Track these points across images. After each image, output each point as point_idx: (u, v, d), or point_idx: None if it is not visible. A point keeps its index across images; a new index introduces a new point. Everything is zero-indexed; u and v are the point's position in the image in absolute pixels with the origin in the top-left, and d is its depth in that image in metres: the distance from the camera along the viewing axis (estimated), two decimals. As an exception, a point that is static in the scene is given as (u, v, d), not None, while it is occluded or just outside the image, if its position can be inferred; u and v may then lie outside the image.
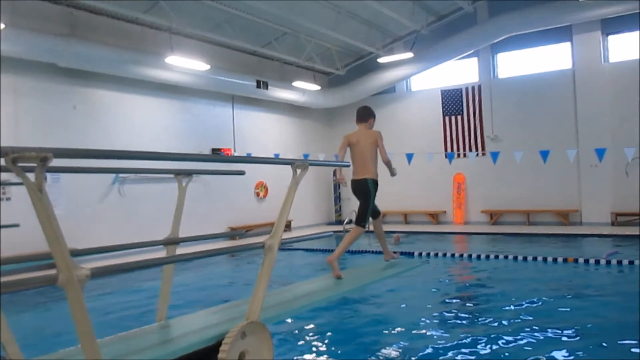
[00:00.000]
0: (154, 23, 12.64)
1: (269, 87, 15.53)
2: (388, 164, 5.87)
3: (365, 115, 5.76)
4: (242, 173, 4.36)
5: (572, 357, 4.79)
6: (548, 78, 16.10)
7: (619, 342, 5.20)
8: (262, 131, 16.84)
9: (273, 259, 3.17)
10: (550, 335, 5.49)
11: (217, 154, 14.77)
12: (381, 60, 16.42)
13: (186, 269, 10.16)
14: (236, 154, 15.32)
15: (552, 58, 16.29)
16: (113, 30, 12.42)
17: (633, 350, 4.88)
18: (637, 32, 14.80)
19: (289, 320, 6.08)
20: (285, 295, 4.16)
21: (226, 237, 14.17)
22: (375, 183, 5.67)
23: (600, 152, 12.95)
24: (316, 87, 17.15)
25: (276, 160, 3.64)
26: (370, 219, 5.95)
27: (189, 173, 3.81)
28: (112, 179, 12.16)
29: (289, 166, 3.39)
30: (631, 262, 9.15)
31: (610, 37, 15.43)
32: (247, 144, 15.88)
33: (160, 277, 3.89)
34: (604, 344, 5.18)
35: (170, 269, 3.78)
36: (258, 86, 15.11)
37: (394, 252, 6.63)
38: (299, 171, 3.31)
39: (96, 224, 11.63)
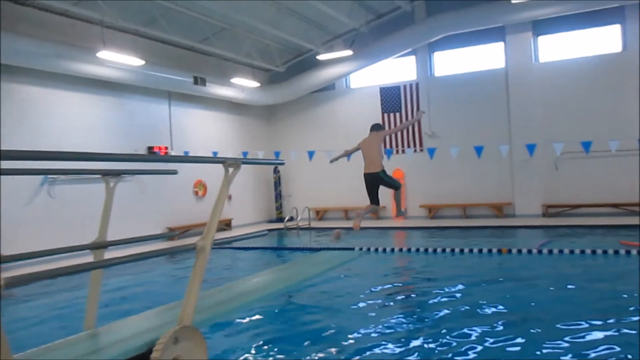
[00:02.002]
0: (84, 16, 12.10)
1: (207, 83, 15.22)
2: (403, 126, 8.67)
3: (377, 127, 7.55)
4: (174, 172, 4.21)
5: (509, 342, 4.95)
6: (482, 77, 16.65)
7: (556, 325, 5.42)
8: (200, 129, 16.51)
9: (205, 260, 3.08)
10: (487, 322, 5.66)
11: (150, 154, 14.31)
12: (321, 57, 16.46)
13: (120, 272, 9.80)
14: (173, 153, 14.95)
15: (486, 57, 16.84)
16: (41, 23, 11.79)
17: (565, 339, 5.10)
18: (565, 33, 15.59)
19: (227, 321, 5.96)
20: (221, 296, 4.06)
21: (163, 238, 13.80)
22: (384, 171, 7.35)
23: (531, 148, 13.51)
24: (255, 84, 16.98)
25: (207, 159, 3.53)
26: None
27: (117, 173, 3.64)
28: (40, 180, 11.57)
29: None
30: (561, 251, 9.60)
31: (540, 38, 16.12)
32: (184, 142, 15.51)
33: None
34: (538, 329, 5.38)
35: (98, 275, 3.60)
36: (195, 82, 14.78)
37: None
38: (231, 170, 3.22)
39: (23, 228, 11.00)
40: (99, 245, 3.50)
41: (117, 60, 12.24)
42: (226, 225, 16.59)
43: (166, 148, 14.92)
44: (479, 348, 4.95)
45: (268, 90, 17.94)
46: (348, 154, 8.95)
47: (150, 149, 14.36)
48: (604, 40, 15.34)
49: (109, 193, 3.60)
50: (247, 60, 16.66)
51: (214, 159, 3.33)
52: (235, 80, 16.15)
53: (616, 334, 5.16)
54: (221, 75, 16.39)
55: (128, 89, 13.84)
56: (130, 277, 9.65)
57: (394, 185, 7.76)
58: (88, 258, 3.42)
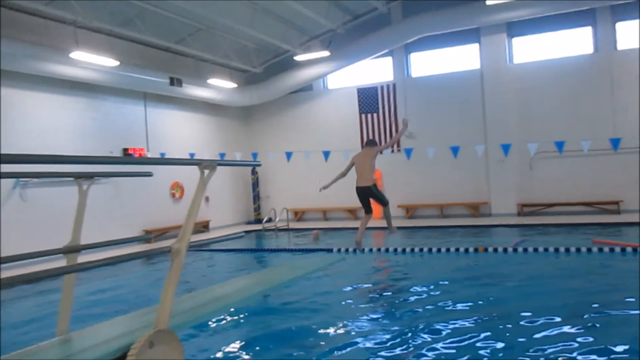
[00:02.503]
0: (57, 16, 11.89)
1: (183, 84, 15.09)
2: (394, 140, 8.01)
3: (372, 143, 7.69)
4: (149, 175, 4.16)
5: (483, 339, 5.01)
6: (458, 77, 16.83)
7: (529, 322, 5.52)
8: (176, 130, 16.35)
9: (181, 263, 3.04)
10: (463, 320, 5.74)
11: (124, 156, 14.11)
12: (298, 58, 16.45)
13: (95, 277, 9.66)
14: (149, 154, 14.77)
15: (461, 58, 17.03)
16: (12, 23, 11.52)
17: (537, 335, 5.18)
18: (539, 35, 15.86)
19: (205, 325, 5.91)
20: (198, 299, 4.02)
21: (140, 241, 13.64)
22: (375, 186, 7.46)
23: (506, 148, 13.69)
24: (232, 85, 16.89)
25: (182, 161, 3.50)
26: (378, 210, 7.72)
27: (90, 176, 3.58)
28: (12, 183, 11.33)
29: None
30: (536, 250, 9.75)
31: (515, 40, 16.36)
32: (161, 144, 15.35)
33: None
34: (511, 326, 5.46)
35: (71, 279, 3.54)
36: (171, 83, 14.63)
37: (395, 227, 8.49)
38: (206, 172, 3.19)
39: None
40: (72, 249, 3.44)
41: (91, 61, 12.06)
42: (204, 227, 16.47)
43: (142, 150, 14.75)
44: (454, 345, 5.01)
45: (245, 91, 17.87)
46: (342, 176, 9.20)
47: (125, 150, 14.18)
48: (576, 42, 15.64)
49: (82, 196, 3.54)
50: (224, 61, 16.57)
51: (189, 161, 3.30)
52: (212, 81, 16.04)
53: (585, 329, 5.26)
54: (198, 76, 16.27)
55: (103, 90, 13.64)
56: (105, 281, 9.52)
57: (382, 200, 7.91)
58: (62, 262, 3.36)
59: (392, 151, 17.03)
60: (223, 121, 18.51)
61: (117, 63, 12.60)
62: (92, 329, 3.63)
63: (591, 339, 4.97)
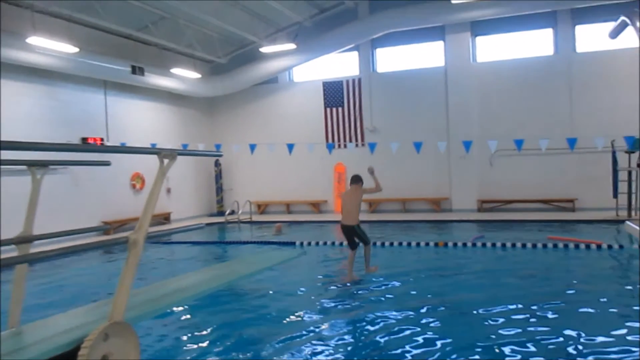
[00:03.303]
0: (12, -1, 11.47)
1: (146, 73, 14.77)
2: (376, 188, 7.77)
3: (357, 180, 7.60)
4: (107, 164, 4.06)
5: (441, 331, 5.11)
6: (423, 74, 17.02)
7: (485, 313, 5.65)
8: (138, 120, 16.01)
9: (138, 254, 2.98)
10: (422, 311, 5.84)
11: (81, 144, 13.74)
12: (264, 50, 16.32)
13: (50, 269, 9.41)
14: (109, 144, 14.41)
15: (426, 55, 17.22)
16: (-38, 4, 11.07)
17: (491, 325, 5.30)
18: (502, 34, 16.18)
19: (162, 317, 5.83)
20: (156, 292, 3.96)
21: (99, 232, 13.34)
22: (359, 226, 7.43)
23: (467, 145, 13.92)
24: (196, 75, 16.63)
25: (141, 150, 3.42)
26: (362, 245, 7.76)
27: (44, 164, 3.47)
28: (-37, 171, 10.87)
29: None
30: (494, 245, 10.00)
31: (478, 39, 16.63)
32: (121, 134, 15.00)
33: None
34: (468, 319, 5.59)
35: (23, 270, 3.43)
36: (133, 72, 14.30)
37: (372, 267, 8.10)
38: (166, 161, 3.14)
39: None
40: (24, 240, 3.33)
41: (49, 46, 11.66)
42: (165, 219, 16.22)
43: (101, 139, 14.39)
44: (410, 334, 5.10)
45: (209, 82, 17.63)
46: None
47: (84, 140, 13.79)
48: (538, 43, 16.01)
49: (35, 185, 3.43)
50: (188, 51, 16.30)
51: (148, 150, 3.23)
52: (176, 70, 15.76)
53: (537, 320, 5.43)
54: (161, 65, 15.95)
55: (61, 77, 13.23)
56: (61, 273, 9.28)
57: (365, 240, 7.83)
58: (14, 254, 3.24)
59: (357, 145, 17.13)
60: (186, 112, 18.23)
61: (76, 50, 12.23)
62: (45, 322, 3.53)
63: (541, 329, 5.14)
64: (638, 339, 4.74)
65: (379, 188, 7.76)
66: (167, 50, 16.39)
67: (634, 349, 4.61)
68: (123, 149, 3.54)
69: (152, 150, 3.19)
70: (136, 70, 14.38)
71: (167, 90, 16.47)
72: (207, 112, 19.34)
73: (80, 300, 6.39)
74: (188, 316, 6.12)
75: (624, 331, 5.05)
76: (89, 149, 4.32)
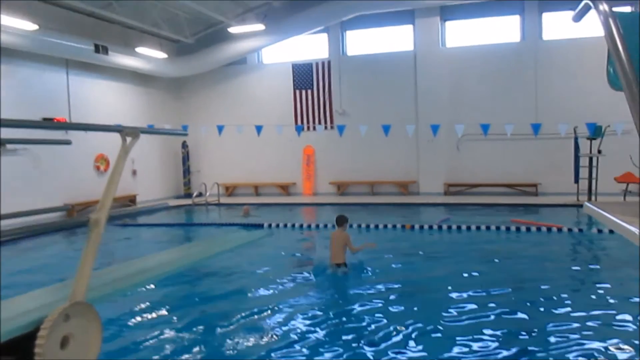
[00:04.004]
0: (-33, -29, 10.95)
1: (110, 52, 14.37)
2: (356, 251, 7.42)
3: (341, 221, 7.42)
4: (68, 142, 3.95)
5: (403, 311, 5.19)
6: (392, 58, 17.05)
7: (450, 294, 5.77)
8: (102, 100, 15.60)
9: (99, 234, 2.92)
10: (386, 291, 5.93)
11: (41, 121, 13.33)
12: (232, 30, 16.07)
13: (11, 251, 9.16)
14: (73, 124, 14.00)
15: (396, 39, 17.24)
16: None
17: (451, 307, 5.41)
18: (471, 20, 16.31)
19: (126, 298, 5.77)
20: (120, 272, 3.89)
21: (62, 212, 13.02)
22: (345, 265, 7.14)
23: (435, 128, 14.09)
24: (163, 55, 16.28)
25: (103, 127, 3.34)
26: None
27: (1, 143, 3.34)
28: None
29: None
30: (459, 227, 10.18)
31: (447, 23, 16.72)
32: (84, 114, 14.59)
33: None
34: (429, 300, 5.69)
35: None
36: (96, 51, 13.89)
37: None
38: (129, 140, 3.06)
39: None
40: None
41: (6, 23, 11.21)
42: (130, 201, 15.94)
43: (64, 120, 13.99)
44: (372, 313, 5.18)
45: (176, 62, 17.29)
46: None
47: (45, 120, 13.37)
48: (505, 30, 16.19)
49: (-9, 162, 3.31)
50: (154, 30, 15.90)
51: (109, 127, 3.15)
52: (141, 50, 15.39)
53: (499, 300, 5.57)
54: (125, 44, 15.54)
55: (20, 55, 12.74)
56: (23, 256, 9.05)
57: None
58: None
59: (326, 128, 17.12)
60: (152, 92, 17.86)
61: (35, 27, 11.80)
62: (4, 303, 3.43)
63: (501, 310, 5.28)
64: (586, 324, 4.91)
65: (354, 250, 7.42)
66: (131, 29, 15.96)
67: (589, 323, 4.79)
68: (83, 126, 3.46)
69: (114, 128, 3.11)
70: (99, 49, 13.98)
71: (132, 70, 16.08)
72: (174, 93, 19.00)
73: (41, 282, 6.25)
74: (153, 296, 6.06)
75: (579, 307, 5.23)
76: (48, 126, 4.20)
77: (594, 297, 5.87)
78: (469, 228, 10.12)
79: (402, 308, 5.49)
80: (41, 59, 13.35)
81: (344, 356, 4.26)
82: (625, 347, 4.26)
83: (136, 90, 17.09)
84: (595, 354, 4.14)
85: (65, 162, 13.81)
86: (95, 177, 15.00)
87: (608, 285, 6.29)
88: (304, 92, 17.60)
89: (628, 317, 4.99)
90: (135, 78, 16.82)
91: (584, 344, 4.32)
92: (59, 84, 14.08)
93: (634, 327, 4.71)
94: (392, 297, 5.86)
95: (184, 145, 18.71)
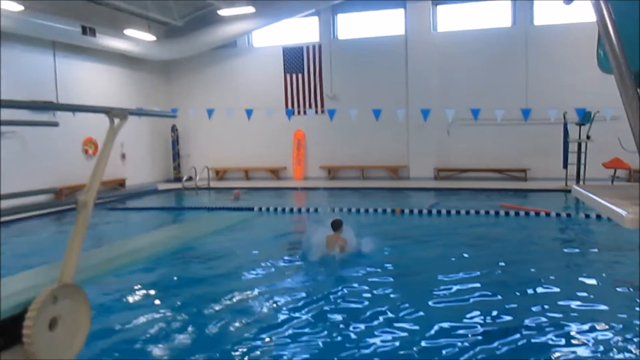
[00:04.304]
0: (-50, -51, 10.71)
1: (97, 34, 14.17)
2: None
3: (337, 225, 7.31)
4: (55, 124, 3.90)
5: (392, 295, 5.23)
6: (383, 42, 16.97)
7: (439, 277, 5.83)
8: (90, 83, 15.41)
9: (88, 216, 2.89)
10: (375, 274, 5.98)
11: (28, 101, 13.17)
12: (222, 12, 15.88)
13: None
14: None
15: (387, 23, 17.15)
16: None
17: (440, 289, 5.46)
18: (462, 4, 16.24)
19: (114, 279, 5.77)
20: (109, 253, 3.87)
21: (49, 195, 12.90)
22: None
23: (425, 113, 14.10)
24: (151, 38, 16.07)
25: (90, 108, 3.29)
26: None
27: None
28: None
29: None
30: (448, 212, 10.24)
31: (439, 7, 16.65)
32: (72, 98, 14.40)
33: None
34: (419, 282, 5.74)
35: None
36: (84, 32, 13.69)
37: None
38: (117, 121, 3.02)
39: None
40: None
41: (-9, 2, 11.02)
42: (119, 185, 15.84)
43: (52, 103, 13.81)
44: (360, 296, 5.23)
45: (165, 45, 17.08)
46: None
47: (32, 101, 13.19)
48: (496, 14, 16.15)
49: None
50: (142, 11, 15.67)
51: (97, 108, 3.10)
52: (129, 32, 15.18)
53: (487, 283, 5.63)
54: (113, 26, 15.30)
55: (5, 37, 12.52)
56: (11, 240, 9.00)
57: None
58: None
59: (316, 112, 17.07)
60: (141, 76, 17.68)
61: (21, 8, 11.59)
62: (-10, 286, 3.41)
63: (488, 291, 5.34)
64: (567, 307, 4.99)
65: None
66: (119, 11, 15.71)
67: (573, 304, 4.87)
68: (70, 107, 3.40)
69: (101, 109, 3.06)
70: (87, 30, 13.78)
71: (120, 53, 15.89)
72: (163, 76, 18.81)
73: (29, 266, 6.23)
74: (140, 277, 6.07)
75: (563, 289, 5.30)
76: (34, 107, 4.15)
77: (578, 279, 5.96)
78: (458, 212, 10.18)
79: (390, 289, 5.55)
80: (27, 40, 13.14)
81: (331, 336, 4.30)
82: (607, 326, 4.33)
83: (124, 74, 16.90)
84: (578, 335, 4.20)
85: (53, 146, 13.68)
86: (84, 161, 14.88)
87: (592, 269, 6.40)
88: (294, 75, 17.50)
89: (611, 299, 5.08)
90: (124, 61, 16.62)
91: (567, 325, 4.39)
92: (46, 67, 13.89)
93: (617, 307, 4.80)
94: (380, 279, 5.91)
95: (174, 129, 18.59)
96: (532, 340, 4.14)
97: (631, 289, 5.40)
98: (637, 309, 4.71)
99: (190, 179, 16.03)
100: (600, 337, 4.14)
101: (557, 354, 3.90)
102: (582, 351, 3.93)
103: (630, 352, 3.81)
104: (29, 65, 13.34)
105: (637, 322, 4.38)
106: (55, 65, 14.17)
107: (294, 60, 17.45)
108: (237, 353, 4.07)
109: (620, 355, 3.79)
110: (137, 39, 15.68)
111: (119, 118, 3.05)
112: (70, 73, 14.64)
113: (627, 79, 1.52)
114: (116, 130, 3.07)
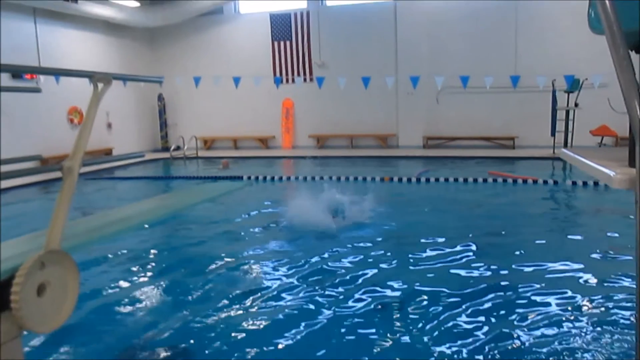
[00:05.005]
0: None
1: (79, 0, 13.82)
2: None
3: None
4: (37, 90, 3.81)
5: (382, 259, 5.29)
6: (372, 9, 16.72)
7: (426, 241, 5.89)
8: (73, 51, 15.09)
9: (73, 182, 2.85)
10: (365, 239, 6.04)
11: (7, 64, 12.91)
12: (207, -22, 15.53)
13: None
14: (42, 78, 13.55)
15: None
16: None
17: (427, 254, 5.53)
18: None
19: (102, 247, 5.77)
20: (98, 221, 3.84)
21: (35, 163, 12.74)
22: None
23: (415, 80, 14.03)
24: (135, 4, 15.71)
25: (73, 73, 3.22)
26: None
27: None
28: None
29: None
30: (437, 180, 10.29)
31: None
32: (55, 65, 14.07)
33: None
34: (408, 248, 5.80)
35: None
36: (66, -2, 13.35)
37: None
38: (100, 86, 2.96)
39: None
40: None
41: (-32, -35, 10.68)
42: (106, 154, 15.70)
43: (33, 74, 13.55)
44: (351, 265, 5.27)
45: (150, 11, 16.70)
46: None
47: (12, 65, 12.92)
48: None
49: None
50: (126, -23, 15.30)
51: (80, 73, 3.04)
52: (113, -3, 14.83)
53: (474, 250, 5.71)
54: (96, -8, 14.93)
55: (-16, 0, 12.21)
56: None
57: None
58: None
59: (305, 80, 16.91)
60: (125, 43, 17.33)
61: (0, -30, 11.27)
62: (-23, 254, 3.39)
63: (474, 256, 5.42)
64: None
65: None
66: (102, -25, 15.31)
67: (559, 266, 4.95)
68: (53, 71, 3.34)
69: (84, 73, 3.00)
70: (69, -4, 13.43)
71: (103, 20, 15.53)
72: (148, 44, 18.47)
73: (15, 234, 6.19)
74: (129, 245, 6.07)
75: (550, 254, 5.39)
76: (15, 69, 4.05)
77: (564, 244, 6.06)
78: (447, 180, 10.23)
79: (379, 252, 5.62)
80: (7, 6, 12.78)
81: (319, 297, 4.36)
82: (595, 291, 4.42)
83: (108, 41, 16.56)
84: (565, 300, 4.28)
85: (37, 116, 13.47)
86: (69, 130, 14.69)
87: (578, 237, 6.48)
88: (282, 43, 17.26)
89: (597, 264, 5.17)
90: (107, 28, 16.27)
91: (553, 290, 4.46)
92: (27, 35, 13.57)
93: (603, 271, 4.88)
94: (367, 244, 5.97)
95: (160, 97, 18.35)
96: (517, 302, 4.22)
97: (612, 252, 5.51)
98: (625, 272, 4.79)
99: (178, 148, 15.92)
100: (587, 302, 4.22)
101: (540, 316, 3.97)
102: (569, 314, 4.00)
103: (624, 317, 3.88)
104: (8, 32, 12.99)
105: (627, 284, 4.46)
106: (37, 33, 13.83)
107: (282, 27, 17.19)
108: (224, 315, 4.10)
109: (612, 318, 3.86)
110: (120, 5, 15.34)
111: (102, 83, 2.99)
112: (52, 41, 14.31)
113: (618, 38, 1.51)
114: (100, 95, 3.00)
